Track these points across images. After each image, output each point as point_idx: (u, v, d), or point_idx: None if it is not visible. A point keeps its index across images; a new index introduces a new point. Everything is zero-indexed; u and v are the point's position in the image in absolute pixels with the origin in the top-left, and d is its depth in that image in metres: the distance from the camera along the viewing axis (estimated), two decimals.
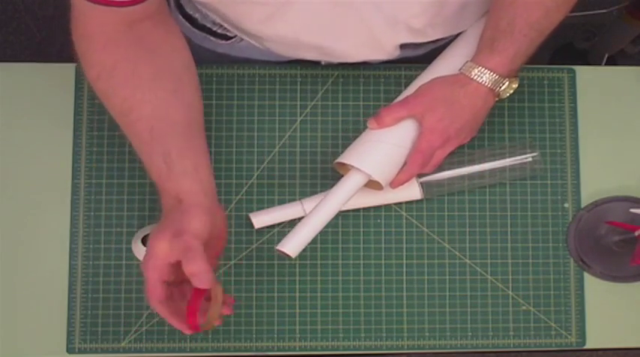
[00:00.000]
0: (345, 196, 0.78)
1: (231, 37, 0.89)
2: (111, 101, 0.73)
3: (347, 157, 0.79)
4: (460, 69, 0.79)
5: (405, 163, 0.79)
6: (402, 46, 0.85)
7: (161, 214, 0.72)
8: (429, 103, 0.77)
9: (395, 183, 0.80)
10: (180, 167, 0.70)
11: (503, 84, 0.78)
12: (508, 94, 0.80)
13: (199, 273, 0.65)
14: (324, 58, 0.87)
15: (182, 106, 0.73)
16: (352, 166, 0.79)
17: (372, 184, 0.81)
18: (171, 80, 0.73)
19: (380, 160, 0.78)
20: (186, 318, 0.68)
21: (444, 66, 0.83)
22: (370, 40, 0.81)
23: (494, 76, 0.77)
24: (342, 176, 0.80)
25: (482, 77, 0.77)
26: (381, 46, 0.83)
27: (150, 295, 0.68)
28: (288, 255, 0.75)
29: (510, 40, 0.76)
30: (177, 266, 0.67)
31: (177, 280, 0.69)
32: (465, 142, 0.81)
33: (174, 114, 0.72)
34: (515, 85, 0.79)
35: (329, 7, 0.74)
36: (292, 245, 0.75)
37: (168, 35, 0.76)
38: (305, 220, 0.76)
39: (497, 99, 0.80)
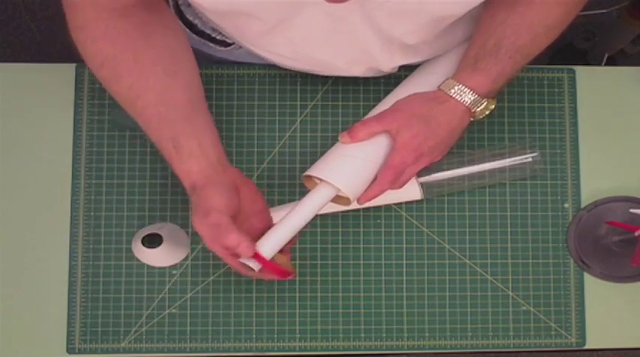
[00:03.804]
0: (312, 209, 0.76)
1: (230, 44, 0.89)
2: (115, 89, 0.74)
3: (317, 170, 0.77)
4: (440, 86, 0.78)
5: (375, 179, 0.77)
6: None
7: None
8: (405, 119, 0.76)
9: (363, 198, 0.78)
10: (187, 149, 0.72)
11: (482, 104, 0.77)
12: (483, 116, 0.79)
13: (235, 246, 0.68)
14: (322, 73, 0.87)
15: (183, 87, 0.74)
16: (321, 180, 0.77)
17: (339, 199, 0.79)
18: (171, 62, 0.74)
19: (350, 174, 0.76)
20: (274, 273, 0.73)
21: (423, 82, 0.82)
22: (367, 59, 0.82)
23: (474, 96, 0.76)
24: (309, 190, 0.78)
25: (461, 95, 0.76)
26: (378, 67, 0.84)
27: (240, 271, 0.73)
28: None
29: (494, 60, 0.75)
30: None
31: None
32: (436, 160, 0.80)
33: (177, 96, 0.73)
34: (492, 106, 0.78)
35: (326, 24, 0.74)
36: (268, 249, 0.73)
37: (161, 16, 0.76)
38: (269, 233, 0.74)
39: (472, 119, 0.79)
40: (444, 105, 0.77)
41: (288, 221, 0.75)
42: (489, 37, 0.76)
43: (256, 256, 0.71)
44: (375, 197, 0.78)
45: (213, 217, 0.69)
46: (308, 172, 0.78)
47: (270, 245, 0.73)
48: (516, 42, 0.75)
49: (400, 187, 0.79)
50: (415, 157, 0.76)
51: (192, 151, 0.72)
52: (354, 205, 0.82)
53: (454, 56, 0.83)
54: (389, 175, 0.76)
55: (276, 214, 0.85)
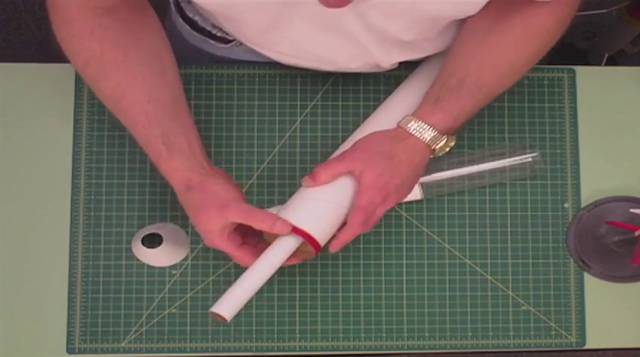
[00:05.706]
0: (281, 257, 0.73)
1: (230, 41, 0.89)
2: (102, 86, 0.74)
3: (283, 216, 0.74)
4: (399, 123, 0.76)
5: (344, 223, 0.74)
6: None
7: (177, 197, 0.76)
8: (367, 159, 0.73)
9: (337, 244, 0.74)
10: (177, 146, 0.73)
11: (441, 141, 0.75)
12: (442, 153, 0.77)
13: (272, 226, 0.70)
14: (323, 68, 0.87)
15: (168, 86, 0.75)
16: None
17: (307, 246, 0.74)
18: (157, 61, 0.75)
19: (318, 218, 0.73)
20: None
21: (384, 119, 0.80)
22: (365, 56, 0.82)
23: (434, 133, 0.74)
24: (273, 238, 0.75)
25: (421, 132, 0.74)
26: (376, 63, 0.84)
27: (245, 263, 0.74)
28: (223, 318, 0.71)
29: (456, 97, 0.74)
30: (238, 228, 0.73)
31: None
32: (403, 198, 0.78)
33: (164, 95, 0.74)
34: (452, 143, 0.77)
35: (322, 24, 0.74)
36: (227, 308, 0.71)
37: (145, 17, 0.77)
38: (239, 282, 0.72)
39: (431, 156, 0.77)
40: (404, 142, 0.75)
41: (256, 270, 0.72)
42: (453, 73, 0.75)
43: (295, 230, 0.71)
44: (349, 241, 0.75)
45: (235, 206, 0.70)
46: None
47: (242, 293, 0.71)
48: (479, 81, 0.75)
49: (370, 229, 0.76)
50: (383, 196, 0.73)
51: (182, 149, 0.73)
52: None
53: (416, 92, 0.81)
54: (360, 216, 0.73)
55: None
